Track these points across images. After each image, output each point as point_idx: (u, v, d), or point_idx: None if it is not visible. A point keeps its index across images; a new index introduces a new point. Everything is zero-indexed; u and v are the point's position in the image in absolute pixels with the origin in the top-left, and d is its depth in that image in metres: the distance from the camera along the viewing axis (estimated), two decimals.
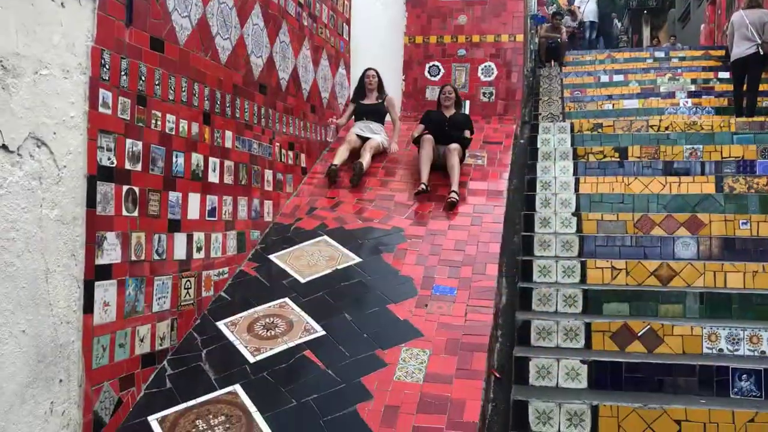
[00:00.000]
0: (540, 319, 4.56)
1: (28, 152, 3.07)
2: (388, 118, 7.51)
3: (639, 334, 4.40)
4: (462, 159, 6.62)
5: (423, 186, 6.10)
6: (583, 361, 4.14)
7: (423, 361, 4.21)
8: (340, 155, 6.71)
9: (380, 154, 7.12)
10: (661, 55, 13.06)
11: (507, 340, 4.79)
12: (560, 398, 3.91)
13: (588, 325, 4.46)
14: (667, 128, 7.84)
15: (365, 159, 6.65)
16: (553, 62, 12.72)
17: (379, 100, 7.35)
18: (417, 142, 6.71)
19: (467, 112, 10.14)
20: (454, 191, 6.04)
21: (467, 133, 6.83)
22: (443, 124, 6.85)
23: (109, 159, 3.64)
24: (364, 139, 7.01)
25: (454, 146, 6.52)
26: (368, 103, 7.34)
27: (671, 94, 10.28)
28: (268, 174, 5.72)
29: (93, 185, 3.51)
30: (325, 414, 3.77)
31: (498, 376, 4.44)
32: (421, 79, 10.18)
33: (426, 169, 6.31)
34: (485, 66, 10.10)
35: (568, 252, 5.45)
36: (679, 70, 11.69)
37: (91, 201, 3.50)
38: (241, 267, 5.22)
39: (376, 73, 7.42)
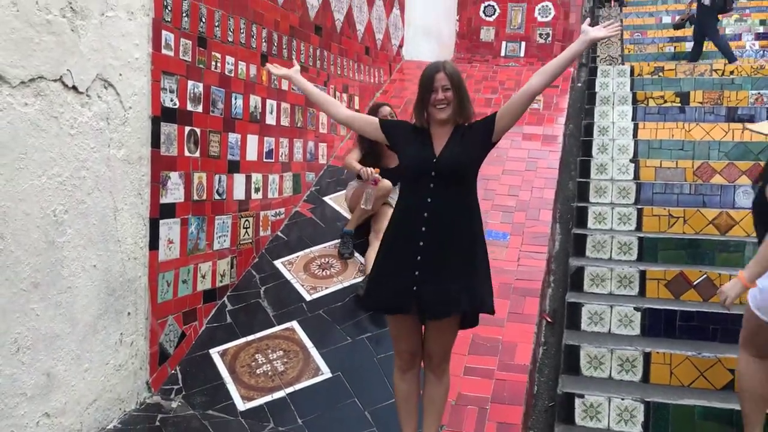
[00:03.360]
0: (594, 265, 4.55)
1: (96, 93, 3.15)
2: None
3: (695, 283, 4.36)
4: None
5: None
6: (636, 308, 4.14)
7: None
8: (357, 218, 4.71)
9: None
10: None
11: (559, 285, 4.81)
12: (612, 344, 3.93)
13: (643, 273, 4.44)
14: (732, 72, 7.55)
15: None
16: (612, 2, 12.28)
17: None
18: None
19: (522, 54, 9.94)
20: None
21: None
22: None
23: (171, 100, 3.72)
24: None
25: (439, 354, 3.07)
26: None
27: (737, 36, 9.86)
28: (323, 116, 5.74)
29: (157, 126, 3.60)
30: (379, 352, 3.87)
31: (550, 320, 4.48)
32: (475, 19, 9.98)
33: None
34: (542, 6, 9.83)
35: (624, 199, 5.38)
36: (747, 11, 11.16)
37: (155, 141, 3.59)
38: (297, 208, 5.31)
39: None
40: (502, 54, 9.98)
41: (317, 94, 3.35)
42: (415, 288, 2.84)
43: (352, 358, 3.90)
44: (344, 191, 5.43)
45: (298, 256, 4.77)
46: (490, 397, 3.60)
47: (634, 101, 6.93)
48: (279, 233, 5.02)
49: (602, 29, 2.96)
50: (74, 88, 3.00)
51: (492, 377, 3.73)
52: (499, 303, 4.23)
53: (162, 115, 3.64)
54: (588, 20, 3.18)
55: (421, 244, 2.85)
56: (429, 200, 2.87)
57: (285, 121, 5.05)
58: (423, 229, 2.86)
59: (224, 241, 4.32)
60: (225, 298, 4.37)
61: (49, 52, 2.84)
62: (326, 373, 3.80)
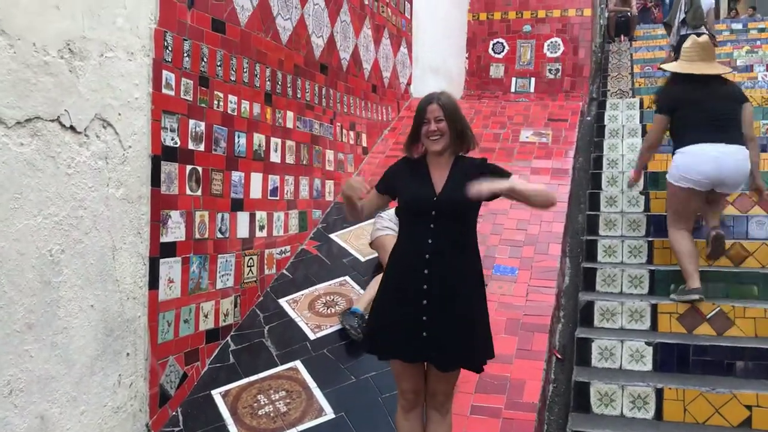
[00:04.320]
0: (604, 299, 4.45)
1: (95, 133, 3.16)
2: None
3: (708, 317, 4.25)
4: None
5: None
6: (648, 343, 4.02)
7: None
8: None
9: None
10: (739, 27, 12.47)
11: (569, 320, 4.71)
12: (623, 380, 3.82)
13: (654, 307, 4.33)
14: None
15: None
16: (622, 37, 12.31)
17: None
18: None
19: (532, 89, 9.97)
20: None
21: None
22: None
23: (172, 139, 3.73)
24: None
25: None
26: None
27: (749, 68, 9.79)
28: (330, 154, 5.75)
29: (157, 165, 3.60)
30: (384, 391, 3.79)
31: (559, 357, 4.37)
32: (485, 56, 10.04)
33: None
34: (551, 42, 9.88)
35: (635, 231, 5.29)
36: (758, 42, 11.13)
37: (155, 180, 3.59)
38: (303, 246, 5.28)
39: None
40: (512, 90, 10.01)
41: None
42: (425, 334, 2.78)
43: (356, 397, 3.82)
44: (350, 228, 5.40)
45: (303, 294, 4.72)
46: None
47: (644, 133, 6.85)
48: (284, 271, 4.99)
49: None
50: (72, 128, 3.01)
51: (499, 416, 3.63)
52: (507, 339, 4.17)
53: (162, 154, 3.64)
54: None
55: (425, 287, 2.78)
56: (430, 241, 2.81)
57: (290, 159, 5.05)
58: (426, 271, 2.79)
59: (227, 279, 4.29)
60: (228, 338, 4.31)
61: (46, 92, 2.86)
62: (329, 413, 3.72)
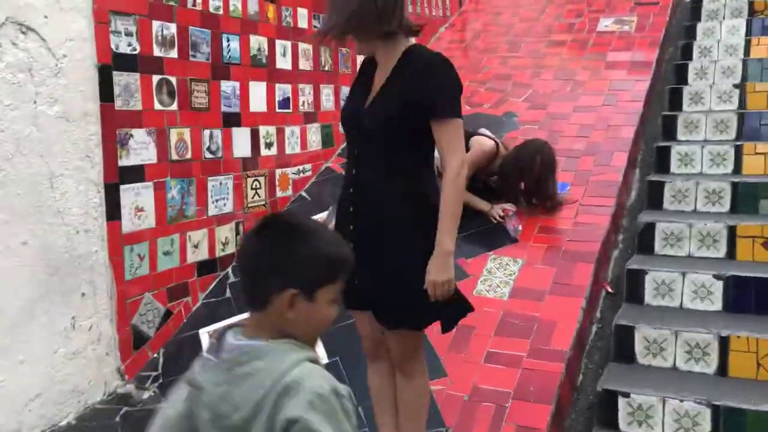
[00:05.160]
0: (668, 220, 3.60)
1: (9, 40, 2.67)
2: None
3: None
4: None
5: None
6: (717, 276, 3.17)
7: (512, 272, 3.51)
8: None
9: None
10: None
11: (629, 246, 3.90)
12: (679, 324, 3.03)
13: (732, 229, 3.43)
14: None
15: None
16: None
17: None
18: None
19: None
20: None
21: None
22: None
23: (129, 45, 3.19)
24: None
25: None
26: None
27: None
28: (360, 57, 5.03)
29: (107, 76, 3.09)
30: None
31: (610, 290, 3.61)
32: None
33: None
34: None
35: (721, 134, 4.28)
36: None
37: (106, 94, 3.09)
38: (328, 163, 4.71)
39: None
40: None
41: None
42: (356, 282, 2.06)
43: (354, 340, 3.28)
44: None
45: (320, 218, 4.18)
46: (512, 393, 2.88)
47: (751, 13, 5.61)
48: (303, 192, 4.45)
49: None
50: None
51: (519, 365, 3.00)
52: (542, 271, 3.48)
53: (114, 64, 3.12)
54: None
55: (351, 227, 2.19)
56: (354, 171, 2.21)
57: (305, 65, 4.42)
58: (351, 208, 2.21)
59: (224, 205, 3.81)
60: (229, 269, 3.87)
61: None
62: (322, 358, 3.22)
